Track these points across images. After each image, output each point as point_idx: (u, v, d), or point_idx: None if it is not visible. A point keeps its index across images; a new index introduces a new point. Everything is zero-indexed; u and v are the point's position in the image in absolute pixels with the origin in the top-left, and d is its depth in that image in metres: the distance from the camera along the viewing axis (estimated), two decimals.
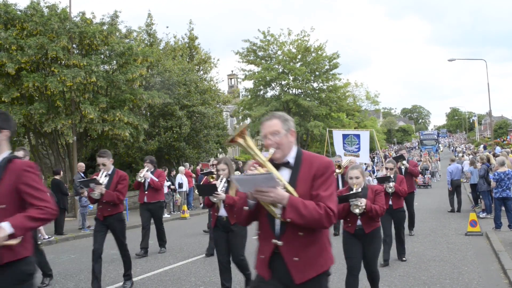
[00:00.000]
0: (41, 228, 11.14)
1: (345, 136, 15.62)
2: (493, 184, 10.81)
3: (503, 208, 10.69)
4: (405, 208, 9.26)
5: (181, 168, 18.65)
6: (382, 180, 7.56)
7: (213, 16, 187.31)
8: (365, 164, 22.69)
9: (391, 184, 7.59)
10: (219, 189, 5.63)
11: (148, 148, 20.27)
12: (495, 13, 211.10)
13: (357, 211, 5.05)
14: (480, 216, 12.62)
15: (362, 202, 5.04)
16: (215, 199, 5.62)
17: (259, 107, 34.23)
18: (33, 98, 16.91)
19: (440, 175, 32.37)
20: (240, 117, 37.60)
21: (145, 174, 9.17)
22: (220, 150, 28.76)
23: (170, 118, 21.41)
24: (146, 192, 9.23)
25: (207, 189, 5.80)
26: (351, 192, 5.15)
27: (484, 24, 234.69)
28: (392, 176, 7.72)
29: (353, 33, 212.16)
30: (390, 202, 7.62)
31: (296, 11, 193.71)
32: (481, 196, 13.77)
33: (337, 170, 10.02)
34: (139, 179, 9.25)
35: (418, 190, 22.00)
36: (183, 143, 21.70)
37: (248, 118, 36.35)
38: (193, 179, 19.15)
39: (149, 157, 9.58)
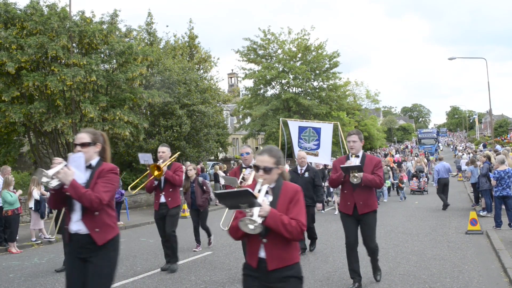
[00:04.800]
0: (43, 227, 11.16)
1: (302, 129, 12.40)
2: (493, 182, 10.81)
3: (503, 206, 10.69)
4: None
5: None
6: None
7: (213, 15, 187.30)
8: (325, 166, 17.42)
9: None
10: None
11: (148, 147, 20.27)
12: (494, 12, 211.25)
13: None
14: (481, 214, 12.62)
15: None
16: None
17: (259, 106, 34.24)
18: (33, 97, 16.90)
19: None
20: (240, 116, 37.62)
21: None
22: (220, 149, 28.80)
23: (170, 117, 21.40)
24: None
25: None
26: None
27: (483, 23, 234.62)
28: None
29: (352, 32, 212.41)
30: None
31: (295, 10, 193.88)
32: (481, 195, 13.78)
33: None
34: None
35: (413, 196, 20.44)
36: (183, 142, 21.70)
37: (248, 117, 36.36)
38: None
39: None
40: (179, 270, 7.54)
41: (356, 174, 5.63)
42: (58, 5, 17.37)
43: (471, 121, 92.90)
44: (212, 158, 29.35)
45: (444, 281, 6.42)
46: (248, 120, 37.17)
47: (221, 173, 20.66)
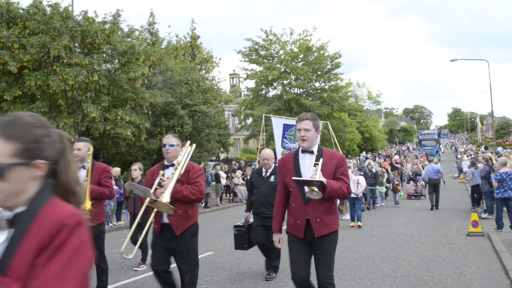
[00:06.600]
0: None
1: (287, 128, 11.34)
2: (495, 184, 10.79)
3: (504, 208, 10.68)
4: None
5: None
6: None
7: (214, 15, 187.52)
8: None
9: None
10: None
11: (149, 147, 20.29)
12: (495, 13, 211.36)
13: None
14: (482, 216, 12.60)
15: None
16: None
17: (261, 106, 34.21)
18: (35, 97, 16.95)
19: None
20: (242, 117, 37.60)
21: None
22: (222, 149, 28.77)
23: (172, 117, 21.42)
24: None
25: None
26: None
27: (484, 25, 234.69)
28: None
29: (353, 33, 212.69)
30: None
31: (296, 11, 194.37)
32: (483, 197, 13.75)
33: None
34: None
35: (409, 200, 19.48)
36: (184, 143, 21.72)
37: (250, 117, 36.35)
38: None
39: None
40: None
41: (315, 189, 3.70)
42: (61, 4, 17.45)
43: (475, 123, 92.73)
44: (214, 158, 29.35)
45: (446, 283, 6.41)
46: (249, 120, 37.14)
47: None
